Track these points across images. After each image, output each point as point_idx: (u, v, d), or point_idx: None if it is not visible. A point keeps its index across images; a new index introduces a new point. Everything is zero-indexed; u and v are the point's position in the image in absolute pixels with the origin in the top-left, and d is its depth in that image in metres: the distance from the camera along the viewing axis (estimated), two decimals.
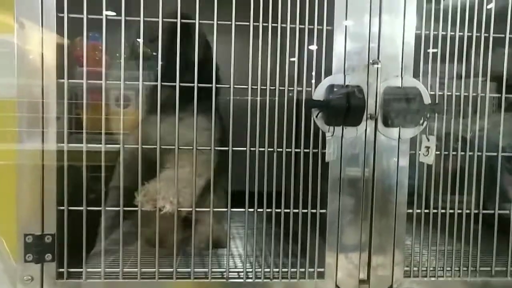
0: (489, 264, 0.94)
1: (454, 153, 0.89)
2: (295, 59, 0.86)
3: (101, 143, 0.85)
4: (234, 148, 0.86)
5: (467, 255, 0.93)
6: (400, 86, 0.85)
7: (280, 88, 0.86)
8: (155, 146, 0.86)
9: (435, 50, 0.87)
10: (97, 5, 0.82)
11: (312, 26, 0.85)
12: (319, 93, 0.86)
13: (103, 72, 0.84)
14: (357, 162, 0.88)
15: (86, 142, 0.85)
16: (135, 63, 0.86)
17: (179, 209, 0.88)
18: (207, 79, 0.85)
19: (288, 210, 0.88)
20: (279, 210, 0.88)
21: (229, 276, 0.90)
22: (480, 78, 0.89)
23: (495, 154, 0.90)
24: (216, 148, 0.87)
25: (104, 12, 0.82)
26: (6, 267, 0.88)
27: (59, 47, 0.83)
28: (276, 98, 0.86)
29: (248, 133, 0.86)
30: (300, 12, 0.85)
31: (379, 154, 0.87)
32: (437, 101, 0.86)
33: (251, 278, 0.90)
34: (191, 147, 0.86)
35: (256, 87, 0.86)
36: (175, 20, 0.84)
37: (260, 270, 0.91)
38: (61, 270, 0.86)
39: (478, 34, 0.88)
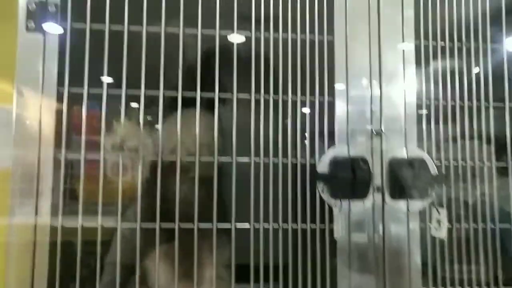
0: None
1: (466, 226, 0.85)
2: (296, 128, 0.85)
3: (96, 215, 0.81)
4: (237, 225, 0.83)
5: None
6: (406, 156, 0.84)
7: (283, 161, 0.84)
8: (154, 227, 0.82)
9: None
10: (96, 74, 0.82)
11: (313, 98, 0.85)
12: (323, 165, 0.84)
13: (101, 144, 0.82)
14: (366, 236, 0.84)
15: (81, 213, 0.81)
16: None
17: None
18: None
19: None
20: None
21: None
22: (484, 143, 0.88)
23: (508, 226, 0.86)
24: (219, 224, 0.83)
25: (105, 88, 0.81)
26: None
27: (57, 116, 0.82)
28: (280, 171, 0.83)
29: (252, 208, 0.83)
30: (302, 82, 0.85)
31: (388, 228, 0.84)
32: (443, 172, 0.84)
33: None
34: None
35: (258, 160, 0.84)
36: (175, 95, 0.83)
37: None
38: None
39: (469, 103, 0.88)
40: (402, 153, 0.84)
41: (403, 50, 0.86)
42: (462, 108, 0.87)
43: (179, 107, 0.82)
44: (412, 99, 0.86)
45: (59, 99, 0.82)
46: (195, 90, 0.84)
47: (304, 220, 0.83)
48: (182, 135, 0.82)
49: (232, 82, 0.85)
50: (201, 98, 0.83)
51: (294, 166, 0.84)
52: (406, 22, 0.87)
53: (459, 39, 0.89)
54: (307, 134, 0.85)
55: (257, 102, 0.84)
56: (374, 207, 0.84)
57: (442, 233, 0.80)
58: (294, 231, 0.83)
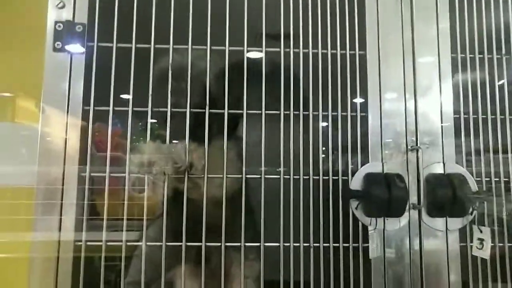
0: None
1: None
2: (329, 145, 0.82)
3: (118, 231, 0.80)
4: (266, 244, 0.80)
5: None
6: (443, 172, 0.80)
7: (314, 177, 0.81)
8: (180, 244, 0.79)
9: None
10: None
11: (345, 113, 0.82)
12: (356, 183, 0.81)
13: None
14: (402, 257, 0.80)
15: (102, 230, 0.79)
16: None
17: None
18: None
19: None
20: None
21: None
22: None
23: None
24: (247, 244, 0.81)
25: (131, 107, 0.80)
26: None
27: (82, 134, 0.81)
28: (311, 188, 0.80)
29: (282, 226, 0.80)
30: (332, 98, 0.83)
31: (425, 247, 0.80)
32: (484, 189, 0.80)
33: None
34: None
35: (288, 176, 0.81)
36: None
37: None
38: None
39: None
40: (440, 169, 0.80)
41: (439, 62, 0.83)
42: (503, 121, 0.83)
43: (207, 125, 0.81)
44: (449, 112, 0.83)
45: (85, 117, 0.81)
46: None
47: (336, 240, 0.80)
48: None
49: (255, 98, 0.83)
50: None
51: (326, 182, 0.81)
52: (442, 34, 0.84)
53: (498, 50, 0.85)
54: (339, 150, 0.82)
55: (286, 117, 0.82)
56: (410, 225, 0.80)
57: (485, 253, 0.76)
58: (326, 250, 0.80)
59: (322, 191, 0.81)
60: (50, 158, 0.80)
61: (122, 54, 0.81)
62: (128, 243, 0.79)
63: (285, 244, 0.79)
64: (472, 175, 0.81)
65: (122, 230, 0.80)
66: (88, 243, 0.79)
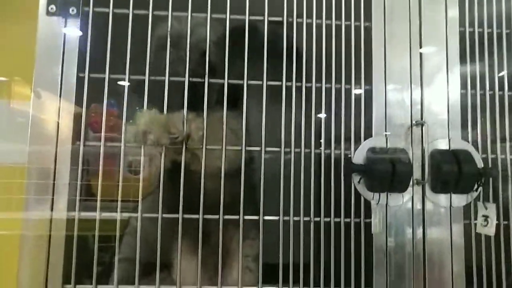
0: None
1: None
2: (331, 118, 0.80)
3: (111, 212, 0.77)
4: (265, 217, 0.78)
5: None
6: (448, 148, 0.78)
7: (316, 151, 0.79)
8: (177, 215, 0.77)
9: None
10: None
11: (348, 86, 0.80)
12: (359, 157, 0.78)
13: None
14: (404, 233, 0.78)
15: (95, 210, 0.77)
16: None
17: None
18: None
19: None
20: None
21: None
22: None
23: None
24: (246, 217, 0.78)
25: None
26: None
27: (75, 115, 0.78)
28: (312, 162, 0.78)
29: (282, 201, 0.77)
30: (336, 71, 0.80)
31: (428, 224, 0.78)
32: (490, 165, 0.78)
33: None
34: None
35: (289, 149, 0.79)
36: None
37: None
38: None
39: None
40: (445, 145, 0.78)
41: (446, 38, 0.81)
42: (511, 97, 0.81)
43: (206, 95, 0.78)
44: (456, 88, 0.80)
45: (79, 87, 0.79)
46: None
47: (337, 214, 0.78)
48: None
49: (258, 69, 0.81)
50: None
51: (328, 157, 0.79)
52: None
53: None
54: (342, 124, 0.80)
55: (288, 89, 0.80)
56: (414, 201, 0.78)
57: (490, 230, 0.74)
58: (327, 225, 0.78)
59: (324, 165, 0.78)
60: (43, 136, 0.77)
61: (119, 19, 0.79)
62: (123, 214, 0.77)
63: (285, 218, 0.77)
64: (479, 152, 0.79)
65: (116, 212, 0.77)
66: (82, 213, 0.77)
